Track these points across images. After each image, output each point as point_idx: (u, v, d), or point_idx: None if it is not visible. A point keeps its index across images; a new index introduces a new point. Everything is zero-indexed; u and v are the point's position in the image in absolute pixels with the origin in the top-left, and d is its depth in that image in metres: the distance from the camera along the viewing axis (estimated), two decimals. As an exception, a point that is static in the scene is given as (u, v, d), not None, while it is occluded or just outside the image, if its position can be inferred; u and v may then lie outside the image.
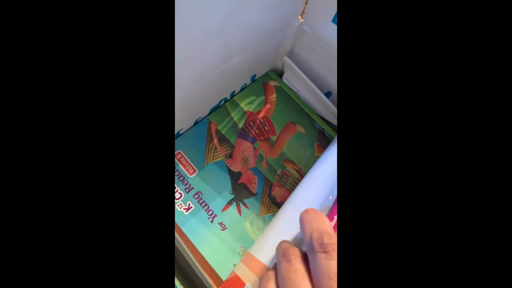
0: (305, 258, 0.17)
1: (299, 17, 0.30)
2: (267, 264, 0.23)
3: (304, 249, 0.18)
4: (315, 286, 0.15)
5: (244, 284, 0.23)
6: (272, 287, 0.17)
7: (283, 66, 0.37)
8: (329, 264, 0.15)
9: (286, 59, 0.34)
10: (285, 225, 0.24)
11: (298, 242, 0.21)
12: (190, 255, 0.29)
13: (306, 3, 0.28)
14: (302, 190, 0.27)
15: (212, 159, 0.32)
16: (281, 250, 0.18)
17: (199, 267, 0.29)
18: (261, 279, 0.18)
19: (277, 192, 0.32)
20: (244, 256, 0.26)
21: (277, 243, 0.21)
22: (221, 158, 0.33)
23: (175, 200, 0.30)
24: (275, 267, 0.19)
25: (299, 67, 0.35)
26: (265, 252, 0.24)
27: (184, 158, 0.32)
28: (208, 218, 0.30)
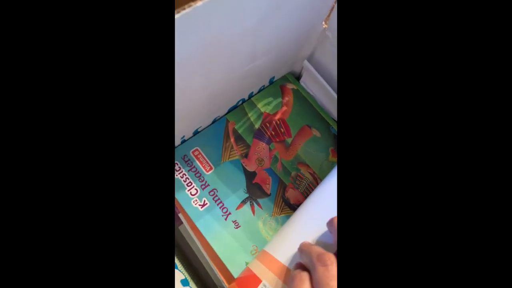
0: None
1: (323, 22, 0.30)
2: (286, 264, 0.23)
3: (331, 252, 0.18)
4: None
5: (260, 281, 0.23)
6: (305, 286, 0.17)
7: (301, 70, 0.38)
8: None
9: (306, 63, 0.35)
10: (306, 226, 0.25)
11: (322, 246, 0.22)
12: (202, 250, 0.30)
13: (332, 9, 0.29)
14: (324, 192, 0.27)
15: (229, 158, 0.33)
16: (315, 254, 0.18)
17: (211, 263, 0.29)
18: (294, 279, 0.19)
19: (290, 194, 0.33)
20: (260, 254, 0.27)
21: (296, 244, 0.22)
22: (237, 157, 0.33)
23: (191, 196, 0.31)
24: (304, 268, 0.20)
25: (318, 72, 0.35)
26: (283, 251, 0.24)
27: (202, 155, 0.33)
28: (223, 216, 0.31)
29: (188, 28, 0.16)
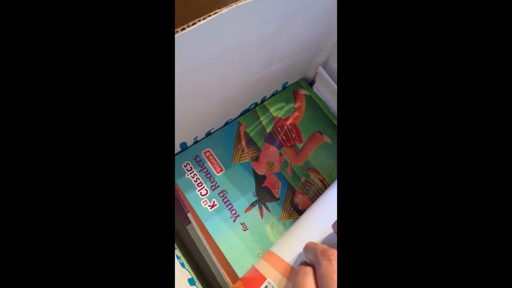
0: None
1: (339, 31, 0.31)
2: (291, 263, 0.23)
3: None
4: None
5: (265, 279, 0.24)
6: (311, 282, 0.18)
7: (315, 76, 0.38)
8: None
9: (321, 69, 0.35)
10: (312, 228, 0.25)
11: (327, 245, 0.22)
12: (210, 251, 0.30)
13: (348, 19, 0.29)
14: (331, 196, 0.28)
15: (239, 160, 0.33)
16: (320, 250, 0.19)
17: (217, 264, 0.30)
18: (298, 273, 0.19)
19: (299, 199, 0.33)
20: (266, 254, 0.27)
21: (302, 244, 0.22)
22: (247, 160, 0.33)
23: (201, 197, 0.31)
24: (307, 264, 0.20)
25: (332, 78, 0.35)
26: (289, 251, 0.24)
27: (213, 156, 0.33)
28: (231, 217, 0.31)
29: (211, 33, 0.16)
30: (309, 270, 0.18)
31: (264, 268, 0.25)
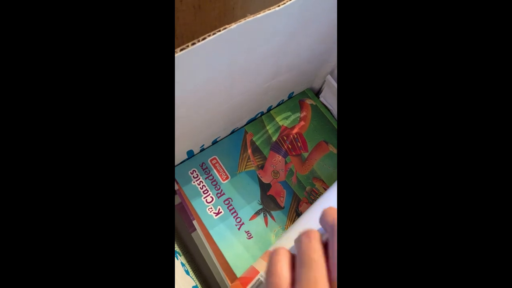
0: (325, 245, 0.18)
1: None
2: None
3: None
4: (330, 267, 0.16)
5: (258, 272, 0.24)
6: (282, 260, 0.17)
7: (322, 86, 0.38)
8: None
9: (329, 77, 0.35)
10: (307, 226, 0.26)
11: None
12: (214, 258, 0.30)
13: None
14: (330, 197, 0.28)
15: (245, 168, 0.34)
16: (303, 232, 0.19)
17: (221, 271, 0.30)
18: (271, 253, 0.18)
19: (304, 208, 0.33)
20: (263, 254, 0.27)
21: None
22: (253, 168, 0.34)
23: (207, 204, 0.32)
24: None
25: (338, 89, 0.36)
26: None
27: (219, 164, 0.33)
28: (236, 225, 0.31)
29: (220, 48, 0.17)
30: (283, 250, 0.18)
31: (259, 265, 0.25)
